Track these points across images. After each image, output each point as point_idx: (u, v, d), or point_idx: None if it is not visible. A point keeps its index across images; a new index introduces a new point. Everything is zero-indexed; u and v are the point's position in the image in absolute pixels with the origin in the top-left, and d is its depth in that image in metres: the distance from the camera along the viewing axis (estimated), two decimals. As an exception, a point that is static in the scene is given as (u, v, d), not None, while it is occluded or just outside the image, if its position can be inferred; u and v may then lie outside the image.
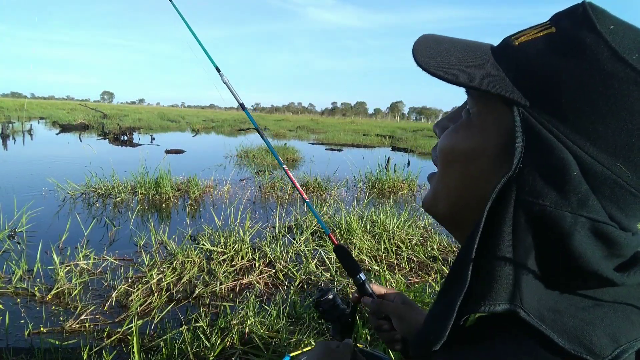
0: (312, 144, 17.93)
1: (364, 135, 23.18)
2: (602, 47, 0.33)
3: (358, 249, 3.66)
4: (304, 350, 1.31)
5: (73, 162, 8.85)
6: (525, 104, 0.36)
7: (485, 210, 0.35)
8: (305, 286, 3.13)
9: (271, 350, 2.19)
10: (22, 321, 2.49)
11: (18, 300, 2.76)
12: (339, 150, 15.49)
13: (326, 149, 15.61)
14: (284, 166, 1.40)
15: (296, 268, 3.35)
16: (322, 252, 3.59)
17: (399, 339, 0.78)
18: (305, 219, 4.45)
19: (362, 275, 0.91)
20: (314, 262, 3.42)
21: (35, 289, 2.86)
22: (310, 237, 3.99)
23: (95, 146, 12.38)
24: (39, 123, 21.81)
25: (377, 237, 4.02)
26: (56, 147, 12.10)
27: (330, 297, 1.01)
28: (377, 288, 0.89)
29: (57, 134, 16.26)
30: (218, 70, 1.33)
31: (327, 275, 3.22)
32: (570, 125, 0.34)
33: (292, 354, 1.32)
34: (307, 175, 7.35)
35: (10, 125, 16.11)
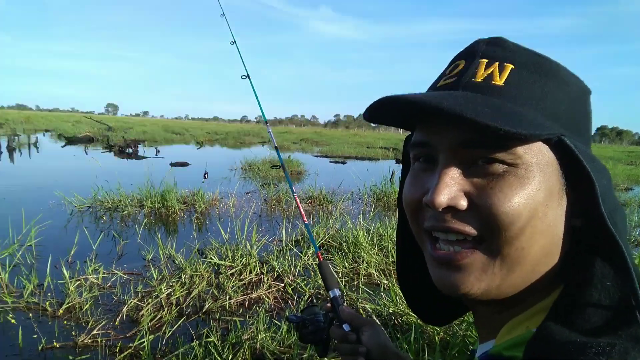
0: (316, 156, 18.00)
1: (367, 147, 23.25)
2: (560, 67, 0.44)
3: (366, 263, 3.66)
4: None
5: (79, 175, 8.90)
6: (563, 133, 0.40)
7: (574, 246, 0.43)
8: (315, 300, 3.13)
9: (283, 366, 2.19)
10: (35, 336, 2.50)
11: (30, 314, 2.77)
12: (343, 162, 15.53)
13: (330, 162, 15.66)
14: (294, 194, 1.48)
15: (305, 282, 3.36)
16: (330, 266, 3.59)
17: (363, 352, 0.79)
18: (313, 232, 4.46)
19: (337, 291, 0.99)
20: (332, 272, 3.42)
21: (47, 303, 2.87)
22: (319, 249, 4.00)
23: (100, 159, 12.46)
24: (44, 135, 21.98)
25: (384, 250, 4.02)
26: (62, 160, 12.18)
27: (320, 316, 1.02)
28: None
29: (62, 147, 16.37)
30: (266, 122, 1.75)
31: (339, 285, 3.22)
32: (585, 141, 0.44)
33: (304, 370, 1.33)
34: (312, 188, 7.37)
35: (16, 138, 16.23)
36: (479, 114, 0.36)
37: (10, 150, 13.28)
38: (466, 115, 0.36)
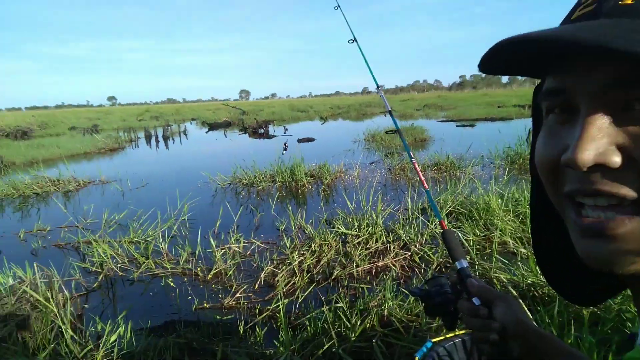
0: (442, 121, 17.16)
1: (498, 107, 21.36)
2: None
3: (500, 230, 3.39)
4: (447, 336, 1.26)
5: (221, 156, 9.90)
6: None
7: None
8: (443, 269, 3.02)
9: (411, 334, 2.16)
10: (190, 297, 2.89)
11: (185, 279, 3.20)
12: (471, 126, 14.54)
13: (457, 126, 14.80)
14: (412, 159, 1.40)
15: (432, 251, 3.25)
16: (459, 234, 3.41)
17: (496, 328, 0.71)
18: (439, 199, 4.28)
19: (464, 262, 0.91)
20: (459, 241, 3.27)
21: (198, 269, 3.27)
22: (446, 218, 3.83)
23: (237, 140, 13.69)
24: (191, 124, 24.85)
25: (521, 216, 3.67)
26: (206, 144, 13.66)
27: (447, 288, 0.95)
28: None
29: (206, 132, 18.33)
30: (378, 86, 1.65)
31: (467, 258, 3.05)
32: None
33: (434, 340, 1.27)
34: (437, 154, 7.06)
35: (169, 128, 18.68)
36: (630, 41, 0.27)
37: (165, 138, 15.36)
38: (613, 46, 0.27)
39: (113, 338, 2.30)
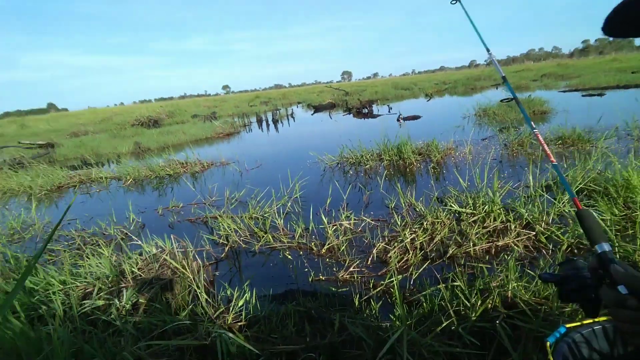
0: (564, 91, 15.40)
1: (632, 72, 18.47)
2: None
3: (645, 210, 2.97)
4: (584, 322, 1.14)
5: (327, 136, 10.11)
6: None
7: None
8: (575, 251, 2.74)
9: (541, 318, 2.01)
10: (306, 269, 3.03)
11: (300, 253, 3.36)
12: (600, 95, 12.81)
13: (582, 95, 13.18)
14: (534, 130, 1.27)
15: (561, 231, 2.97)
16: (594, 215, 3.05)
17: None
18: (567, 176, 3.87)
19: (606, 245, 0.80)
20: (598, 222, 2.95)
21: (312, 244, 3.41)
22: (577, 196, 3.46)
23: (342, 121, 13.83)
24: (297, 107, 25.70)
25: (673, 194, 3.16)
26: (313, 125, 14.05)
27: (585, 272, 0.85)
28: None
29: (312, 114, 18.83)
30: (488, 50, 1.56)
31: (607, 238, 2.73)
32: None
33: (568, 325, 1.16)
34: (562, 127, 6.37)
35: (278, 112, 19.55)
36: None
37: (275, 121, 16.13)
38: None
39: (240, 303, 2.52)
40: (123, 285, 2.88)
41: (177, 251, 3.22)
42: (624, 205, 3.18)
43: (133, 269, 3.03)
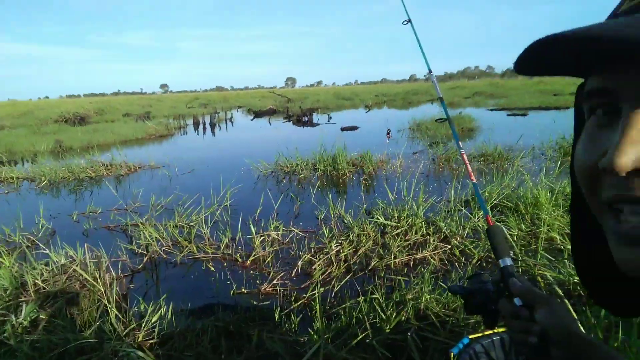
0: (492, 110, 16.52)
1: (554, 95, 20.24)
2: None
3: (547, 226, 3.22)
4: (485, 333, 1.20)
5: (265, 143, 10.03)
6: None
7: None
8: (484, 264, 2.91)
9: (448, 330, 2.10)
10: (228, 282, 2.95)
11: (225, 264, 3.28)
12: (523, 115, 13.88)
13: (507, 115, 14.20)
14: (461, 150, 1.34)
15: (474, 245, 3.14)
16: (503, 228, 3.27)
17: (537, 331, 0.68)
18: (484, 192, 4.12)
19: (508, 260, 0.86)
20: (504, 239, 3.14)
21: (238, 255, 3.34)
22: (490, 211, 3.69)
23: (281, 128, 13.81)
24: (237, 111, 25.34)
25: (573, 212, 3.46)
26: (251, 131, 13.89)
27: (489, 286, 0.90)
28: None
29: (251, 120, 18.64)
30: (430, 71, 1.61)
31: (511, 253, 2.92)
32: None
33: (471, 336, 1.22)
34: (485, 144, 6.80)
35: (216, 115, 19.15)
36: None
37: (212, 125, 15.77)
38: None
39: (154, 318, 2.39)
40: (23, 299, 2.64)
41: (90, 261, 3.01)
42: (531, 222, 3.44)
43: (37, 281, 2.79)
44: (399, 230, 3.46)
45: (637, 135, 0.30)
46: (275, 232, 3.68)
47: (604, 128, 0.35)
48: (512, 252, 2.92)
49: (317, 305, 2.28)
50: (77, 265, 2.94)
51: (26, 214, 4.50)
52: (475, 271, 0.99)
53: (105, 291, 2.65)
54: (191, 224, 3.99)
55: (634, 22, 0.28)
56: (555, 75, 0.40)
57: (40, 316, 2.41)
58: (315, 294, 2.56)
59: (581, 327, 1.69)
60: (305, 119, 16.02)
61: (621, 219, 0.33)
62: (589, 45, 0.30)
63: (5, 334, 2.23)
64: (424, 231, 3.42)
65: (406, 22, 1.74)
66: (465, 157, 1.35)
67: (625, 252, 0.33)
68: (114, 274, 2.98)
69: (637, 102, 0.31)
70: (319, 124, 14.18)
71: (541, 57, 0.34)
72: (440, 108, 1.51)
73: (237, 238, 3.64)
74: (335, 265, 3.05)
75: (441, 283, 2.59)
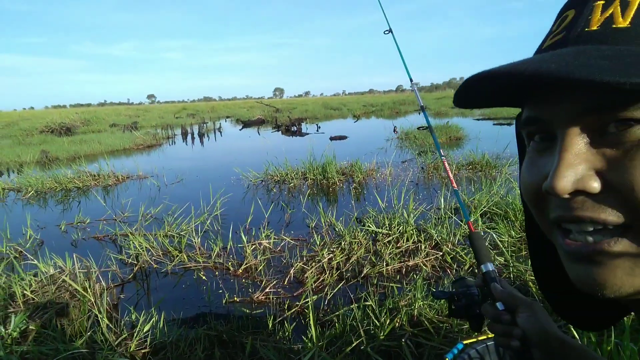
0: (478, 119, 16.76)
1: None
2: None
3: (537, 232, 3.27)
4: (479, 338, 1.22)
5: (254, 153, 10.02)
6: None
7: None
8: (476, 270, 2.94)
9: (442, 335, 2.11)
10: (220, 291, 2.93)
11: (216, 273, 3.25)
12: (509, 124, 14.09)
13: (494, 124, 14.41)
14: (443, 157, 1.38)
15: (465, 251, 3.17)
16: (493, 234, 3.31)
17: (518, 334, 0.70)
18: (474, 199, 4.17)
19: (490, 266, 0.88)
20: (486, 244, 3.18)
21: (229, 263, 3.32)
22: (480, 218, 3.73)
23: (270, 138, 13.82)
24: (225, 121, 25.27)
25: (560, 218, 3.52)
26: (240, 141, 13.87)
27: (474, 290, 0.93)
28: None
29: (240, 130, 18.61)
30: (411, 80, 1.62)
31: (501, 259, 2.96)
32: None
33: (465, 342, 1.24)
34: (473, 153, 6.89)
35: (205, 125, 19.10)
36: (591, 69, 0.27)
37: (201, 135, 15.71)
38: (575, 76, 0.27)
39: (146, 328, 2.37)
40: (12, 310, 2.59)
41: (79, 272, 2.97)
42: (520, 228, 3.49)
43: (25, 292, 2.74)
44: (391, 238, 3.48)
45: (573, 158, 0.32)
46: (267, 241, 3.67)
47: (543, 152, 0.37)
48: (502, 258, 2.96)
49: (311, 312, 2.27)
50: (66, 276, 2.89)
51: (13, 225, 4.42)
52: (459, 276, 1.01)
53: (95, 301, 2.62)
54: (181, 233, 3.96)
55: (551, 57, 0.31)
56: (494, 107, 0.43)
57: (30, 327, 2.37)
58: (308, 301, 2.56)
59: (574, 332, 1.71)
60: (294, 128, 16.06)
61: (570, 237, 0.35)
62: (515, 79, 0.33)
63: (-8, 346, 2.18)
64: (415, 238, 3.44)
65: (387, 32, 1.79)
66: (447, 164, 1.39)
67: (577, 269, 0.35)
68: (104, 284, 2.94)
69: (568, 127, 0.33)
70: (307, 134, 14.22)
71: (478, 92, 0.38)
72: (430, 117, 1.56)
73: (229, 247, 3.62)
74: (327, 272, 3.05)
75: (433, 289, 2.61)
